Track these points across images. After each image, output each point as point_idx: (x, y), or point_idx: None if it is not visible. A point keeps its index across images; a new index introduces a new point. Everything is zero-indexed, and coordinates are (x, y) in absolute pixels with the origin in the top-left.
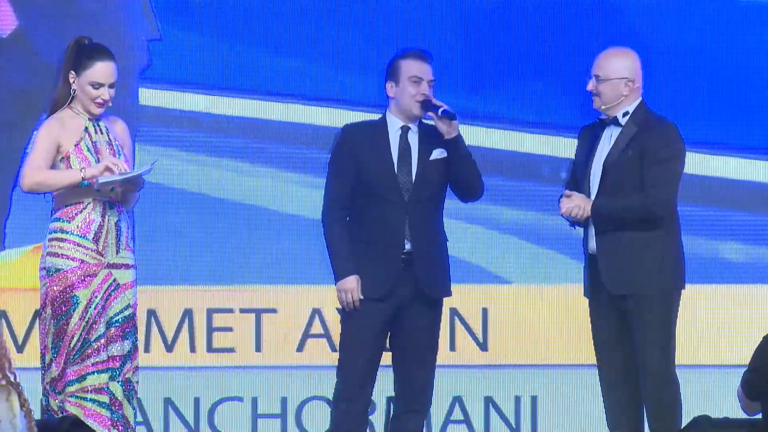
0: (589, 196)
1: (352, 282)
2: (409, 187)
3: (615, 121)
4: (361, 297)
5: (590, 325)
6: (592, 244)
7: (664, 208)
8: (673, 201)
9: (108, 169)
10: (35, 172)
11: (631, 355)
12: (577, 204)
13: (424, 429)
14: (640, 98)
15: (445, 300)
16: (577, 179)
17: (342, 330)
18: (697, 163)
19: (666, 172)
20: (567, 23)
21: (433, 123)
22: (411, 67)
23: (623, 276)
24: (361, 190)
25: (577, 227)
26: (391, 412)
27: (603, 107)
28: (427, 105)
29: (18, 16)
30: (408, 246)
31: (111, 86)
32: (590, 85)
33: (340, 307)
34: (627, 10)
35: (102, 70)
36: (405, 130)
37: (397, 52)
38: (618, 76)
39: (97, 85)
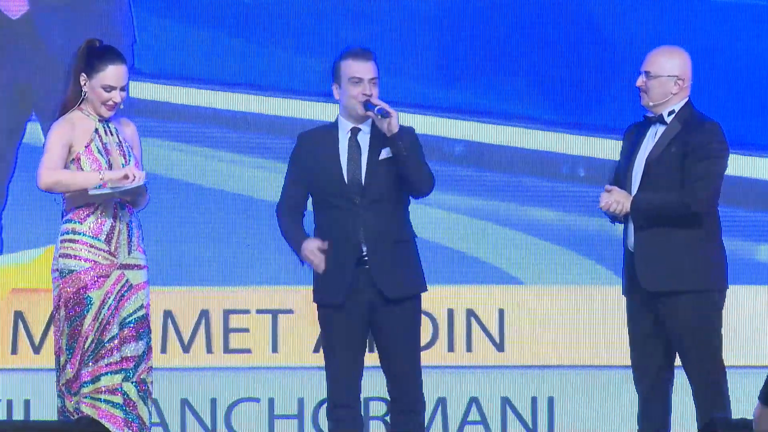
0: (630, 192)
1: (309, 244)
2: (359, 189)
3: (660, 119)
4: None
5: (627, 324)
6: (631, 241)
7: (703, 206)
8: (712, 200)
9: (126, 177)
10: (52, 171)
11: (666, 354)
12: (617, 199)
13: (441, 430)
14: (687, 98)
15: (462, 301)
16: (619, 176)
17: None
18: (731, 164)
19: (707, 170)
20: (589, 21)
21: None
22: (350, 67)
23: (659, 273)
24: (315, 197)
25: (617, 223)
26: (388, 414)
27: (650, 104)
28: (366, 104)
29: (29, 1)
30: (364, 249)
31: (122, 89)
32: (639, 81)
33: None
34: (640, 10)
35: (114, 74)
36: (355, 131)
37: (339, 54)
38: (668, 73)
39: (108, 88)
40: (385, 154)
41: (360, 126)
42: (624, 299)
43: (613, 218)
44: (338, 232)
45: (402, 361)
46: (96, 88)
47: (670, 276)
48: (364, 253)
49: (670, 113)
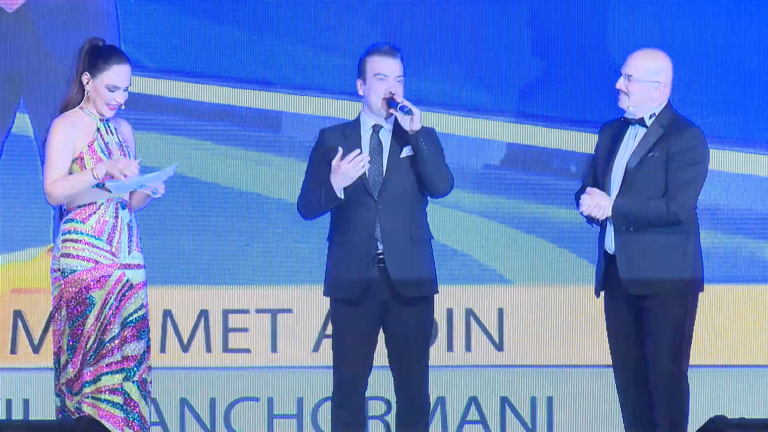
0: (609, 194)
1: (334, 166)
2: (378, 186)
3: (641, 122)
4: (335, 298)
5: (605, 324)
6: (610, 243)
7: (686, 213)
8: (694, 206)
9: (120, 171)
10: (58, 185)
11: (646, 354)
12: (598, 203)
13: (440, 429)
14: (667, 101)
15: (461, 300)
16: (596, 177)
17: (332, 336)
18: (734, 161)
19: (690, 177)
20: (578, 19)
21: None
22: (376, 64)
23: (642, 277)
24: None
25: (593, 225)
26: (394, 413)
27: (630, 107)
28: (390, 102)
29: None
30: (380, 246)
31: (125, 89)
32: (620, 83)
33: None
34: (634, 7)
35: (119, 74)
36: (377, 128)
37: (366, 50)
38: (650, 79)
39: (113, 88)
40: (406, 152)
41: (382, 123)
42: (605, 297)
43: (590, 220)
44: (356, 228)
45: (412, 361)
46: (100, 88)
47: (653, 280)
48: (380, 251)
49: (650, 116)
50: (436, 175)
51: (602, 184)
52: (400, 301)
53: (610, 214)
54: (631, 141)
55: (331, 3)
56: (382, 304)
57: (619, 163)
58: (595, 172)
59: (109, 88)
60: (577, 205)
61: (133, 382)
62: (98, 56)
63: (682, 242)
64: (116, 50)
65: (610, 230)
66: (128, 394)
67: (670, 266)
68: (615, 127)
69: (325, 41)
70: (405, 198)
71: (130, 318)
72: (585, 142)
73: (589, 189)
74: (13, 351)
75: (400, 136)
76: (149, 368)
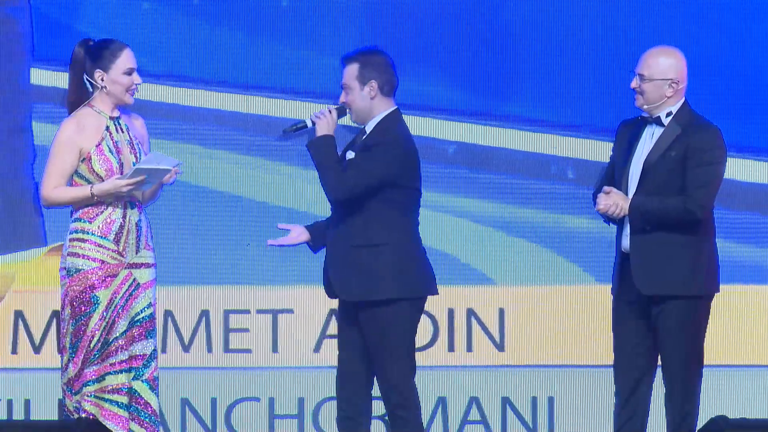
0: (626, 194)
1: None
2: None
3: (658, 121)
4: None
5: (612, 326)
6: (626, 243)
7: (704, 212)
8: (711, 205)
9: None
10: (56, 193)
11: (651, 356)
12: (615, 202)
13: (441, 429)
14: (683, 99)
15: (462, 301)
16: (614, 176)
17: None
18: (740, 168)
19: (709, 175)
20: (577, 22)
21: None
22: None
23: (655, 277)
24: None
25: (611, 224)
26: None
27: (645, 106)
28: None
29: None
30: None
31: (137, 69)
32: (634, 83)
33: None
34: (631, 11)
35: (129, 55)
36: (363, 132)
37: None
38: (663, 77)
39: (129, 71)
40: (349, 156)
41: (365, 126)
42: (615, 298)
43: (608, 219)
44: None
45: (376, 364)
46: (118, 78)
47: (666, 281)
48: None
49: (667, 115)
50: (323, 183)
51: (619, 184)
52: (356, 305)
53: (627, 213)
54: (649, 140)
55: (332, 7)
56: (353, 306)
57: (637, 162)
58: (613, 172)
59: (126, 72)
60: (594, 204)
61: (143, 381)
62: (101, 50)
63: (696, 244)
64: (113, 39)
65: (626, 230)
66: (138, 393)
67: (683, 267)
68: (633, 126)
69: (329, 47)
70: (353, 203)
71: (138, 317)
72: (583, 147)
73: (606, 188)
74: (13, 351)
75: (361, 139)
76: (157, 366)
